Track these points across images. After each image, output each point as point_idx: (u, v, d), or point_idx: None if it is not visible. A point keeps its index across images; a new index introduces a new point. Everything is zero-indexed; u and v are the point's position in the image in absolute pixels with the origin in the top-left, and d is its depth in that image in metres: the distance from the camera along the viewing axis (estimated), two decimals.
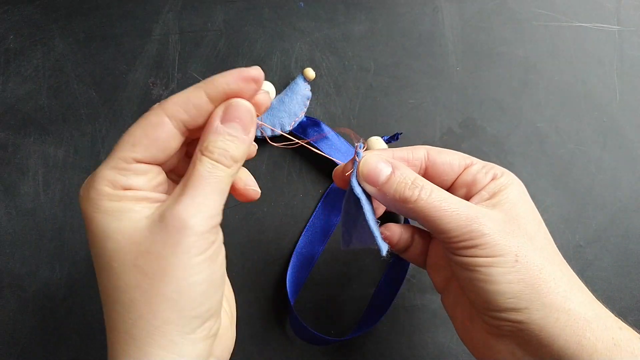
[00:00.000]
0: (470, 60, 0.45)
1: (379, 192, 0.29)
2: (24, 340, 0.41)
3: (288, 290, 0.40)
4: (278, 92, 0.43)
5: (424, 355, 0.41)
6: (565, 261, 0.29)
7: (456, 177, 0.31)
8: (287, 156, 0.44)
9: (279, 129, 0.42)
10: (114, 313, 0.24)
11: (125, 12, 0.45)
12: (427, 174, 0.31)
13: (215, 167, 0.26)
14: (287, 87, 0.43)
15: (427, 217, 0.28)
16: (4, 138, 0.44)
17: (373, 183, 0.29)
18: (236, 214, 0.42)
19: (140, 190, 0.26)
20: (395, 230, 0.33)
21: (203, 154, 0.26)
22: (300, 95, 0.42)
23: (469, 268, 0.27)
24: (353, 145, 0.31)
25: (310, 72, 0.42)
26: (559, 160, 0.43)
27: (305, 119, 0.43)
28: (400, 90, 0.44)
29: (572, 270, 0.29)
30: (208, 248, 0.25)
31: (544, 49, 0.45)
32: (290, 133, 0.42)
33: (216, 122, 0.27)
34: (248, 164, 0.43)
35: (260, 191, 0.31)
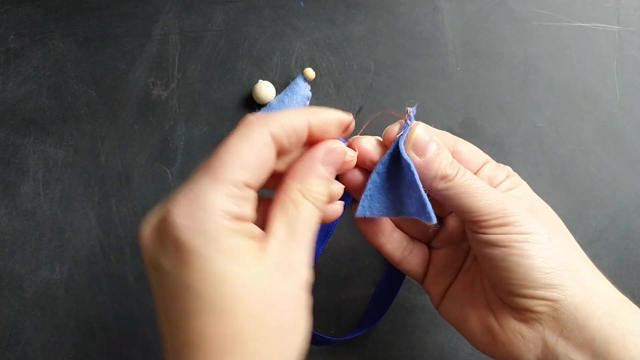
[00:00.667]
0: (470, 60, 0.45)
1: (424, 164, 0.28)
2: (24, 340, 0.41)
3: None
4: (278, 92, 0.43)
5: (424, 355, 0.41)
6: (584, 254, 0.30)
7: (477, 170, 0.32)
8: None
9: None
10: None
11: (125, 12, 0.45)
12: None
13: (314, 212, 0.26)
14: (287, 87, 0.43)
15: (460, 194, 0.28)
16: (4, 138, 0.44)
17: (421, 154, 0.28)
18: None
19: (248, 221, 0.24)
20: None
21: (306, 198, 0.25)
22: (300, 95, 0.42)
23: (503, 244, 0.27)
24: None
25: (310, 72, 0.42)
26: (559, 160, 0.43)
27: None
28: (400, 90, 0.44)
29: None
30: (309, 298, 0.25)
31: (544, 49, 0.45)
32: None
33: (319, 164, 0.26)
34: None
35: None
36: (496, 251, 0.28)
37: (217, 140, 0.44)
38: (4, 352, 0.41)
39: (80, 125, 0.44)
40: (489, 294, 0.30)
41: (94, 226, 0.42)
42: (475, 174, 0.31)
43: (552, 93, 0.44)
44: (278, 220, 0.25)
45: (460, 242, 0.33)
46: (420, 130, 0.29)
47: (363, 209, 0.30)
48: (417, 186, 0.28)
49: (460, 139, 0.32)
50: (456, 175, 0.28)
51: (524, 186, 0.31)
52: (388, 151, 0.29)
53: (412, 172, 0.28)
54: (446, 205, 0.29)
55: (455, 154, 0.31)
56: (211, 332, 0.21)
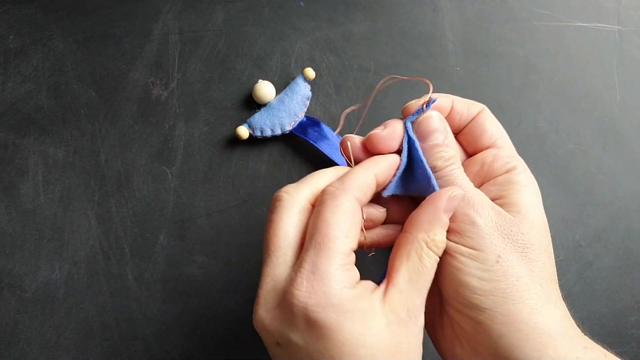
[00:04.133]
0: (470, 60, 0.45)
1: (420, 146, 0.29)
2: (23, 341, 0.41)
3: None
4: (278, 92, 0.43)
5: (424, 355, 0.41)
6: (555, 278, 0.28)
7: (482, 149, 0.31)
8: (287, 156, 0.44)
9: (279, 129, 0.42)
10: None
11: (125, 12, 0.45)
12: (465, 129, 0.31)
13: (436, 262, 0.27)
14: (287, 87, 0.43)
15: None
16: (4, 138, 0.44)
17: (421, 138, 0.29)
18: (236, 214, 0.42)
19: (359, 282, 0.26)
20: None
21: (430, 248, 0.26)
22: (300, 95, 0.42)
23: (450, 252, 0.27)
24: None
25: (310, 72, 0.42)
26: (559, 160, 0.43)
27: (305, 119, 0.43)
28: (401, 91, 0.44)
29: (558, 289, 0.28)
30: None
31: (544, 49, 0.45)
32: (290, 133, 0.42)
33: (442, 213, 0.27)
34: (248, 164, 0.43)
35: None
36: (444, 256, 0.27)
37: (217, 140, 0.44)
38: (3, 352, 0.41)
39: (80, 125, 0.44)
40: (443, 303, 0.30)
41: (94, 226, 0.42)
42: (477, 153, 0.31)
43: (552, 93, 0.44)
44: (401, 271, 0.26)
45: None
46: (434, 116, 0.29)
47: (389, 188, 0.30)
48: (422, 162, 0.28)
49: (491, 114, 0.31)
50: (444, 168, 0.28)
51: (528, 189, 0.29)
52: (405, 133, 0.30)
53: (416, 149, 0.29)
54: None
55: (471, 126, 0.31)
56: None
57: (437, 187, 0.28)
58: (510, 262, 0.27)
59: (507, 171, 0.30)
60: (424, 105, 0.29)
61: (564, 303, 0.28)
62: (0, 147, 0.43)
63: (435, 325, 0.30)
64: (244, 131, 0.42)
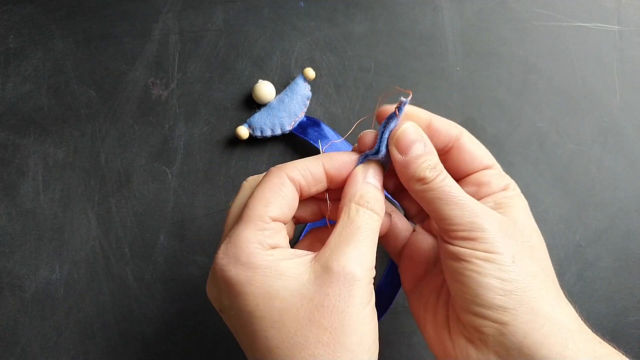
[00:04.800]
0: (470, 60, 0.45)
1: (403, 162, 0.29)
2: (23, 341, 0.41)
3: None
4: (278, 92, 0.43)
5: (424, 355, 0.41)
6: (556, 280, 0.29)
7: (473, 172, 0.31)
8: (287, 156, 0.44)
9: (279, 129, 0.42)
10: None
11: (125, 12, 0.45)
12: (449, 155, 0.31)
13: (371, 217, 0.27)
14: (287, 87, 0.43)
15: (435, 199, 0.28)
16: (4, 138, 0.44)
17: (402, 152, 0.29)
18: None
19: (285, 247, 0.27)
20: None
21: (359, 204, 0.27)
22: (300, 95, 0.42)
23: (465, 258, 0.27)
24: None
25: (310, 72, 0.42)
26: (559, 160, 0.43)
27: (305, 119, 0.43)
28: (399, 93, 0.44)
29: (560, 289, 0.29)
30: (372, 299, 0.26)
31: (544, 49, 0.45)
32: (290, 133, 0.42)
33: (361, 177, 0.28)
34: (248, 164, 0.43)
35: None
36: (457, 264, 0.27)
37: (217, 140, 0.44)
38: (3, 352, 0.41)
39: (80, 125, 0.44)
40: (450, 309, 0.30)
41: (94, 226, 0.42)
42: (467, 176, 0.31)
43: (552, 93, 0.44)
44: (334, 233, 0.27)
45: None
46: (409, 128, 0.29)
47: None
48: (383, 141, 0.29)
49: (471, 136, 0.32)
50: (435, 178, 0.28)
51: (519, 201, 0.30)
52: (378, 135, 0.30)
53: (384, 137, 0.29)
54: (421, 205, 0.29)
55: (454, 150, 0.31)
56: (274, 343, 0.25)
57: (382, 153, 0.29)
58: (524, 262, 0.27)
59: (503, 189, 0.31)
60: (396, 111, 0.29)
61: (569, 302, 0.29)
62: (1, 147, 0.43)
63: (444, 338, 0.29)
64: (244, 131, 0.42)
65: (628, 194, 0.43)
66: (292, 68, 0.44)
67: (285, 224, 0.28)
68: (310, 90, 0.43)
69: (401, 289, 0.41)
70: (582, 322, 0.28)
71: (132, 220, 0.43)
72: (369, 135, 0.30)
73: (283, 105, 0.42)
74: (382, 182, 0.30)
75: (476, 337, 0.27)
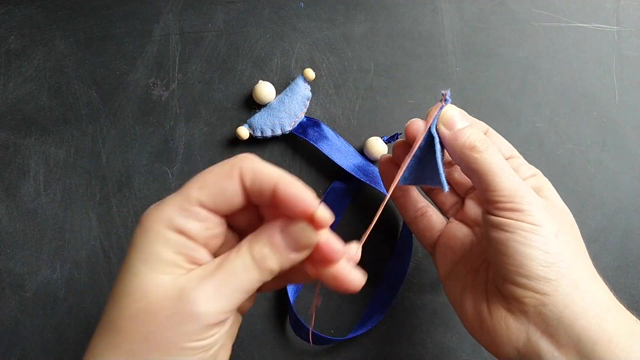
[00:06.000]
0: (470, 60, 0.45)
1: (452, 135, 0.30)
2: (24, 340, 0.41)
3: (288, 289, 0.40)
4: (278, 92, 0.43)
5: (424, 354, 0.41)
6: (591, 262, 0.30)
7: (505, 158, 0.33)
8: (287, 156, 0.44)
9: (279, 129, 0.42)
10: (112, 331, 0.24)
11: (125, 12, 0.45)
12: None
13: (251, 269, 0.25)
14: (287, 88, 0.43)
15: (484, 170, 0.29)
16: (5, 138, 0.44)
17: (450, 126, 0.31)
18: None
19: (190, 239, 0.25)
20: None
21: (251, 252, 0.25)
22: (300, 96, 0.42)
23: (509, 229, 0.28)
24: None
25: (310, 73, 0.42)
26: (558, 160, 0.44)
27: (305, 119, 0.43)
28: (400, 91, 0.44)
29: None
30: (208, 337, 0.24)
31: (544, 49, 0.45)
32: (290, 133, 0.43)
33: (277, 232, 0.25)
34: None
35: (361, 281, 0.28)
36: (502, 235, 0.28)
37: (218, 140, 0.44)
38: (4, 352, 0.41)
39: (81, 125, 0.44)
40: (489, 283, 0.31)
41: (95, 226, 0.43)
42: None
43: (551, 93, 0.44)
44: (219, 258, 0.25)
45: (474, 226, 0.34)
46: (451, 108, 0.31)
47: (403, 179, 0.33)
48: (435, 154, 0.30)
49: (493, 130, 0.34)
50: (486, 149, 0.29)
51: (548, 186, 0.32)
52: (426, 129, 0.32)
53: (434, 144, 0.31)
54: (471, 178, 0.31)
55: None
56: (114, 313, 0.24)
57: (444, 184, 0.30)
58: (566, 237, 0.29)
59: (532, 176, 0.32)
60: (443, 100, 0.32)
61: None
62: (2, 147, 0.43)
63: (482, 312, 0.30)
64: (244, 131, 0.42)
65: (627, 194, 0.43)
66: (292, 69, 0.45)
67: (217, 217, 0.26)
68: (310, 91, 0.43)
69: (401, 289, 0.41)
70: (617, 301, 0.29)
71: (133, 220, 0.43)
72: (418, 121, 0.32)
73: (283, 106, 0.42)
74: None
75: (516, 308, 0.28)
